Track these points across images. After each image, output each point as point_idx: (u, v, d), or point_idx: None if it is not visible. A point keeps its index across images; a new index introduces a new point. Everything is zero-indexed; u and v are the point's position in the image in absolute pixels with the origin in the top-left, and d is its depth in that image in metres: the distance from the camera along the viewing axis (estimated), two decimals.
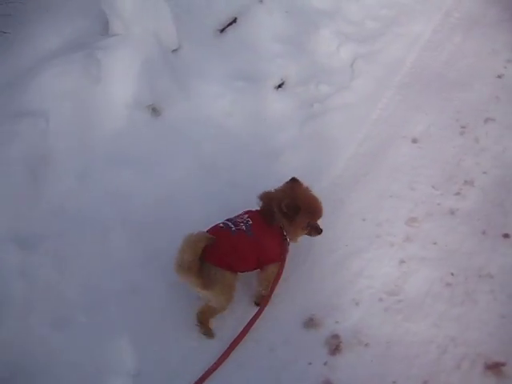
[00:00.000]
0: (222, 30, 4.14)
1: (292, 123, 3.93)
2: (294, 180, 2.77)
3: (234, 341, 2.55)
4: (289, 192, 2.69)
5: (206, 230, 2.59)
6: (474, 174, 3.67)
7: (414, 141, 3.90)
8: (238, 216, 2.70)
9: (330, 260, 3.16)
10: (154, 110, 3.56)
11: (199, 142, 3.61)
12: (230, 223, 2.61)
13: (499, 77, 4.43)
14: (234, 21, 4.25)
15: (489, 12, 5.16)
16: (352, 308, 2.95)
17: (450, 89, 4.33)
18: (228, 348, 2.53)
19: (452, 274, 3.10)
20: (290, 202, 2.62)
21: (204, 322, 2.64)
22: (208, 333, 2.66)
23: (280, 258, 2.70)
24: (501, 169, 3.70)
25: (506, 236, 3.25)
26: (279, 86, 4.09)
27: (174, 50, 3.87)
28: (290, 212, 2.63)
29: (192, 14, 4.01)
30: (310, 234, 2.85)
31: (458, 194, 3.53)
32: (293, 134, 3.87)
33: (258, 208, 2.73)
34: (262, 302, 2.70)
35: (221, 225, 2.62)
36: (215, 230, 2.59)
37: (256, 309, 2.68)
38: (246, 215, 2.68)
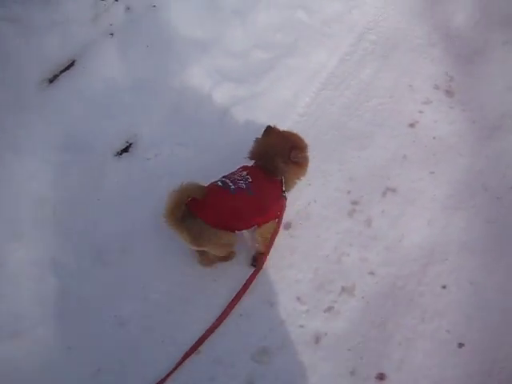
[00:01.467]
0: (52, 80, 3.12)
1: (134, 203, 3.09)
2: (271, 128, 2.72)
3: (234, 298, 2.58)
4: (281, 141, 2.65)
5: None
6: (356, 277, 2.85)
7: (287, 226, 2.95)
8: (234, 173, 2.58)
9: None
10: None
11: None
12: (228, 181, 2.48)
13: (411, 126, 3.49)
14: (72, 64, 3.21)
15: (413, 33, 4.10)
16: None
17: (347, 145, 3.48)
18: (228, 306, 2.58)
19: None
20: (298, 150, 2.64)
21: (215, 259, 2.72)
22: (228, 257, 2.77)
23: (278, 215, 2.66)
24: (394, 266, 2.95)
25: (380, 378, 2.34)
26: (123, 150, 3.10)
27: None
28: (299, 159, 2.66)
29: (8, 64, 3.07)
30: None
31: (329, 309, 2.64)
32: (134, 218, 2.89)
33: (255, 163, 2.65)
34: (259, 259, 2.71)
35: (219, 183, 2.49)
36: (213, 190, 2.47)
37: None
38: (245, 172, 2.55)
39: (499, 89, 3.76)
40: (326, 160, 3.27)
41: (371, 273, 2.85)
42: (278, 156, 2.60)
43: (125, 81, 3.39)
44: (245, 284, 2.61)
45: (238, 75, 3.62)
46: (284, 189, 2.65)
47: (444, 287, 2.80)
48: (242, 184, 2.49)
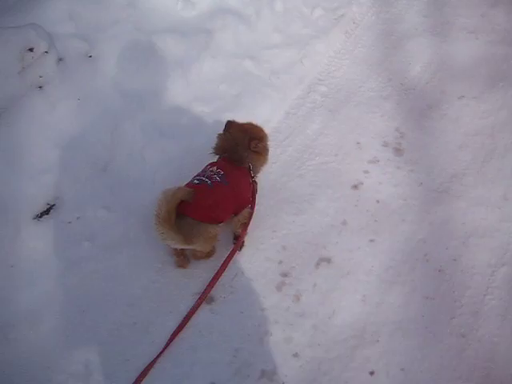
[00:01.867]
0: None
1: (48, 271, 2.91)
2: (230, 122, 2.92)
3: (217, 273, 2.77)
4: (241, 133, 2.86)
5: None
6: (278, 359, 2.70)
7: (209, 301, 2.75)
8: (205, 170, 2.74)
9: None
10: None
11: None
12: (203, 178, 2.65)
13: (355, 187, 3.30)
14: None
15: (366, 85, 3.93)
16: None
17: (283, 209, 3.29)
18: (212, 279, 2.76)
19: None
20: (256, 140, 2.85)
21: (201, 257, 2.88)
22: (210, 254, 2.94)
23: (251, 200, 2.86)
24: (320, 348, 2.72)
25: None
26: (44, 212, 2.89)
27: None
28: (259, 149, 2.88)
29: None
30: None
31: None
32: (46, 289, 2.67)
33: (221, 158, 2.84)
34: (237, 239, 2.91)
35: (195, 181, 2.65)
36: (192, 187, 2.61)
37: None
38: (215, 167, 2.72)
39: (451, 147, 3.59)
40: (258, 226, 3.06)
41: (295, 355, 2.64)
42: (239, 147, 2.82)
43: (51, 137, 3.20)
44: (226, 259, 2.84)
45: (174, 131, 3.44)
46: (253, 174, 2.87)
47: (372, 373, 2.58)
48: (216, 178, 2.66)
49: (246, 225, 2.88)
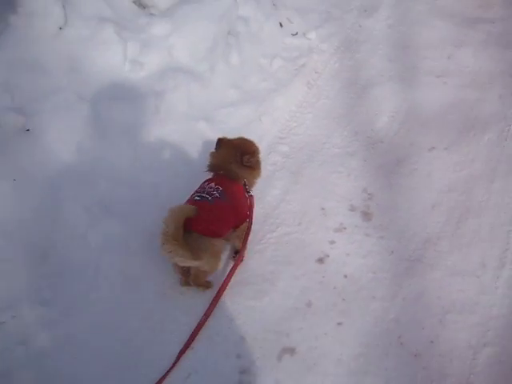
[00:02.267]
0: None
1: None
2: (221, 140, 3.01)
3: (220, 289, 2.82)
4: (232, 149, 2.97)
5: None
6: None
7: None
8: (203, 187, 2.82)
9: None
10: None
11: None
12: (203, 194, 2.73)
13: (320, 261, 3.06)
14: None
15: (331, 140, 3.66)
16: None
17: (241, 293, 2.99)
18: (216, 295, 2.80)
19: None
20: (248, 155, 2.95)
21: (201, 283, 2.86)
22: (208, 285, 2.92)
23: (248, 214, 2.95)
24: None
25: None
26: None
27: None
28: (251, 163, 2.98)
29: None
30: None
31: None
32: None
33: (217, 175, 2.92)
34: (238, 254, 2.96)
35: (196, 198, 2.72)
36: (194, 203, 2.68)
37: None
38: (213, 183, 2.80)
39: (423, 207, 3.31)
40: (214, 314, 2.75)
41: None
42: (233, 164, 2.91)
43: None
44: (229, 273, 2.89)
45: (119, 208, 3.10)
46: (248, 190, 2.96)
47: None
48: (216, 193, 2.73)
49: (245, 238, 2.92)
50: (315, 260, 3.09)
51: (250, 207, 2.99)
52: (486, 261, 3.05)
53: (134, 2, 4.14)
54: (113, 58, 3.65)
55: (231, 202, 2.78)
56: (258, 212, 3.25)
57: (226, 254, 3.07)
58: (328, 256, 3.11)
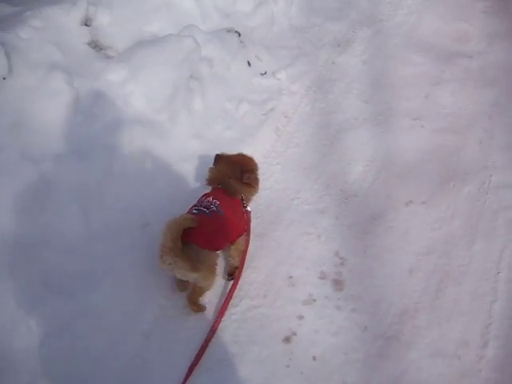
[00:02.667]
0: None
1: None
2: (220, 155, 3.04)
3: (219, 313, 2.82)
4: (232, 166, 3.00)
5: None
6: None
7: None
8: (200, 201, 2.85)
9: None
10: None
11: None
12: (201, 208, 2.76)
13: (287, 340, 2.90)
14: None
15: (300, 196, 3.40)
16: None
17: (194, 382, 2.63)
18: (215, 321, 2.79)
19: None
20: (248, 173, 3.00)
21: (196, 302, 2.84)
22: (201, 309, 2.90)
23: (246, 228, 2.98)
24: None
25: None
26: None
27: None
28: (251, 180, 3.01)
29: None
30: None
31: None
32: None
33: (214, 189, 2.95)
34: (236, 273, 2.96)
35: (194, 211, 2.74)
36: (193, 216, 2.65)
37: (231, 282, 2.95)
38: (210, 197, 2.83)
39: (400, 272, 3.04)
40: None
41: None
42: (232, 180, 2.94)
43: None
44: (228, 292, 2.89)
45: (70, 284, 2.77)
46: (245, 205, 2.99)
47: None
48: (213, 207, 2.76)
49: (244, 253, 2.97)
50: (282, 339, 2.82)
51: (248, 222, 3.00)
52: (467, 337, 2.79)
53: (89, 44, 3.84)
54: (62, 109, 3.32)
55: (227, 215, 2.79)
56: (218, 282, 2.96)
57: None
58: (295, 334, 2.82)
